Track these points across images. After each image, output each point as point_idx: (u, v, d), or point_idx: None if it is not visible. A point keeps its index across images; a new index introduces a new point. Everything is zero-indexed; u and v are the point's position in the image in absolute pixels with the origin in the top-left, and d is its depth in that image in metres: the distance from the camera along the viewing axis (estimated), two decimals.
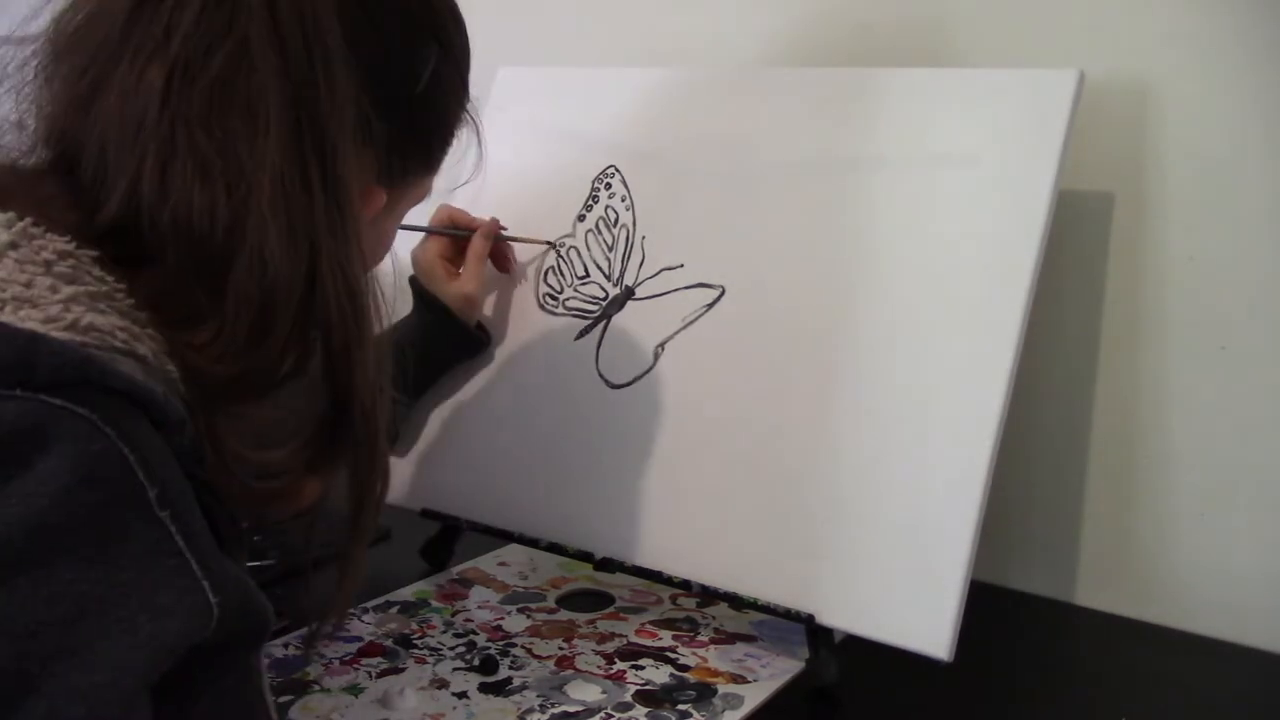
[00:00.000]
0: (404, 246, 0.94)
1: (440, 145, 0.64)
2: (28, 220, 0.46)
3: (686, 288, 0.90)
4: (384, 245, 0.65)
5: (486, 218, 0.94)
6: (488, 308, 0.98)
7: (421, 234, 0.93)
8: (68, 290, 0.44)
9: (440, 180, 0.66)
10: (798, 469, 0.81)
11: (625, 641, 0.85)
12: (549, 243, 0.97)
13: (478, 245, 0.93)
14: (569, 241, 0.97)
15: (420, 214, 0.92)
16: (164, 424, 0.44)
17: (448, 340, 0.93)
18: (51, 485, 0.39)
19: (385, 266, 0.67)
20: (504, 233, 0.96)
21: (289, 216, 0.49)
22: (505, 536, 0.93)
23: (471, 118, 0.67)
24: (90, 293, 0.45)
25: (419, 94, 0.59)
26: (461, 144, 0.66)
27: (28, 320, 0.42)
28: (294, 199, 0.49)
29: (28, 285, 0.43)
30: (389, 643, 0.83)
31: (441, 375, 0.95)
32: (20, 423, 0.39)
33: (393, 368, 0.88)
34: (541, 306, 0.97)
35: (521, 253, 0.98)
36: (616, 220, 0.95)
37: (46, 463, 0.39)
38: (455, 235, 0.93)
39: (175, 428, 0.45)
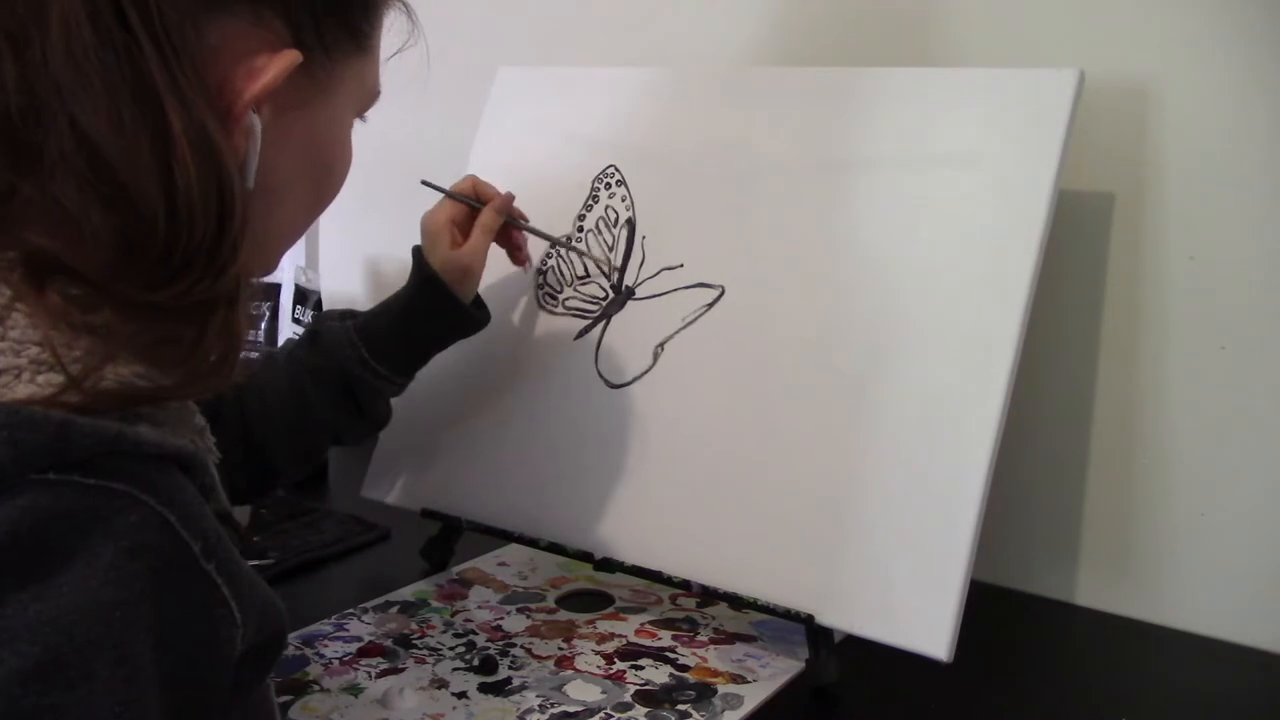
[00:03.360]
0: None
1: (359, 10, 0.54)
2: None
3: (686, 288, 0.90)
4: (333, 153, 0.55)
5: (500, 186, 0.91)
6: (486, 306, 0.98)
7: (440, 199, 0.90)
8: (84, 343, 0.41)
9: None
10: (797, 469, 0.81)
11: (625, 641, 0.85)
12: (562, 242, 0.95)
13: (486, 217, 0.88)
14: (576, 243, 0.97)
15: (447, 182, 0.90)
16: (191, 468, 0.43)
17: (439, 315, 0.88)
18: (98, 565, 0.38)
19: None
20: (520, 220, 0.92)
21: (99, 68, 0.41)
22: (505, 536, 0.93)
23: None
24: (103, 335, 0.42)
25: None
26: (395, 29, 0.58)
27: (49, 387, 0.40)
28: (100, 48, 0.41)
29: (42, 345, 0.41)
30: (389, 643, 0.83)
31: (433, 352, 0.90)
32: (58, 509, 0.38)
33: (382, 338, 0.85)
34: (541, 306, 0.97)
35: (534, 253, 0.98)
36: (616, 220, 0.95)
37: (90, 545, 0.38)
38: (468, 203, 0.89)
39: (201, 470, 0.44)
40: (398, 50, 0.62)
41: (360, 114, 0.57)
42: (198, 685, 0.41)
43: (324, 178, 0.56)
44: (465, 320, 0.90)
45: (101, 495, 0.39)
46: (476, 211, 0.89)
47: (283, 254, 0.58)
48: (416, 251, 0.89)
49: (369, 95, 0.57)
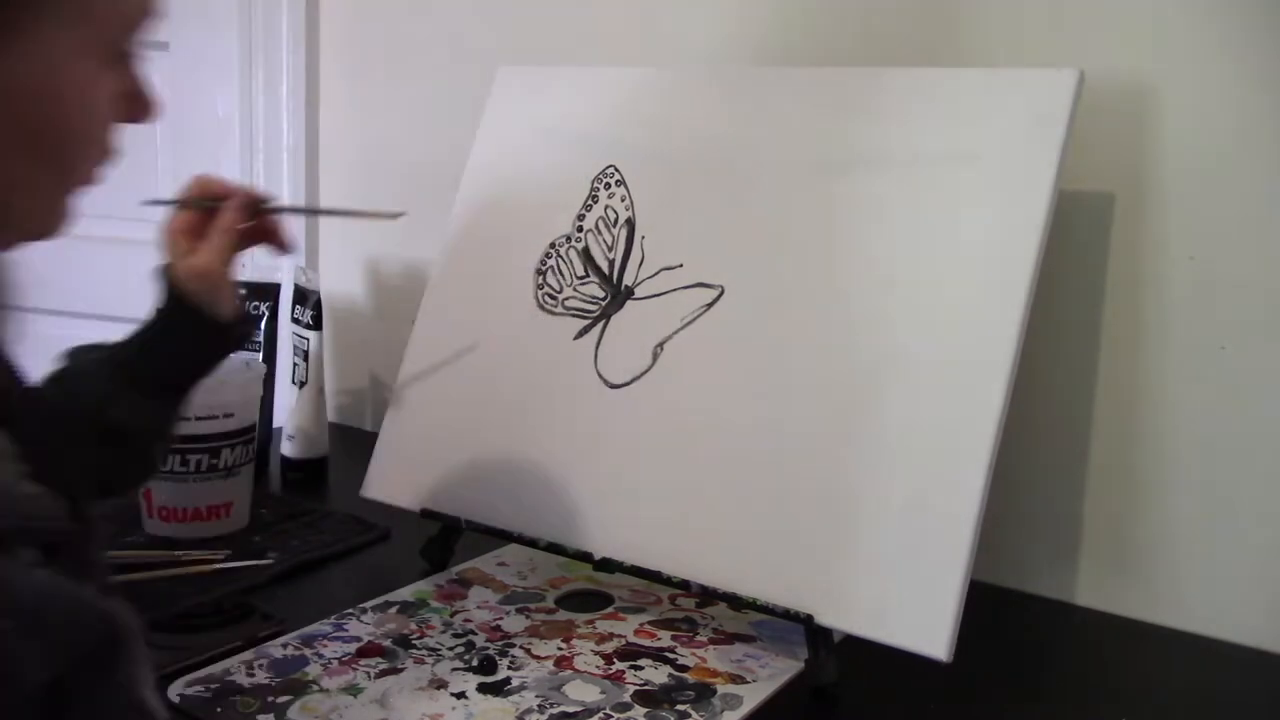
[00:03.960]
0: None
1: None
2: None
3: (686, 287, 0.90)
4: (56, 99, 0.44)
5: (248, 189, 0.80)
6: (487, 307, 0.98)
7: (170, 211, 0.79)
8: None
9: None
10: (797, 469, 0.81)
11: (624, 642, 0.85)
12: (319, 210, 0.84)
13: (224, 216, 0.76)
14: (563, 247, 0.97)
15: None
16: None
17: (187, 329, 0.75)
18: None
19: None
20: (270, 204, 0.81)
21: None
22: (505, 536, 0.93)
23: None
24: None
25: None
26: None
27: None
28: None
29: None
30: (388, 643, 0.83)
31: (198, 374, 0.78)
32: None
33: (137, 367, 0.73)
34: (541, 306, 0.97)
35: (522, 253, 0.98)
36: (616, 220, 0.95)
37: None
38: (198, 206, 0.78)
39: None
40: None
41: (104, 38, 0.45)
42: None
43: (47, 135, 0.45)
44: (222, 334, 0.77)
45: None
46: (204, 209, 0.78)
47: (40, 215, 0.49)
48: (161, 269, 0.77)
49: (119, 15, 0.45)
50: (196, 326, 0.76)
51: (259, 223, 0.80)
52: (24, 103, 0.43)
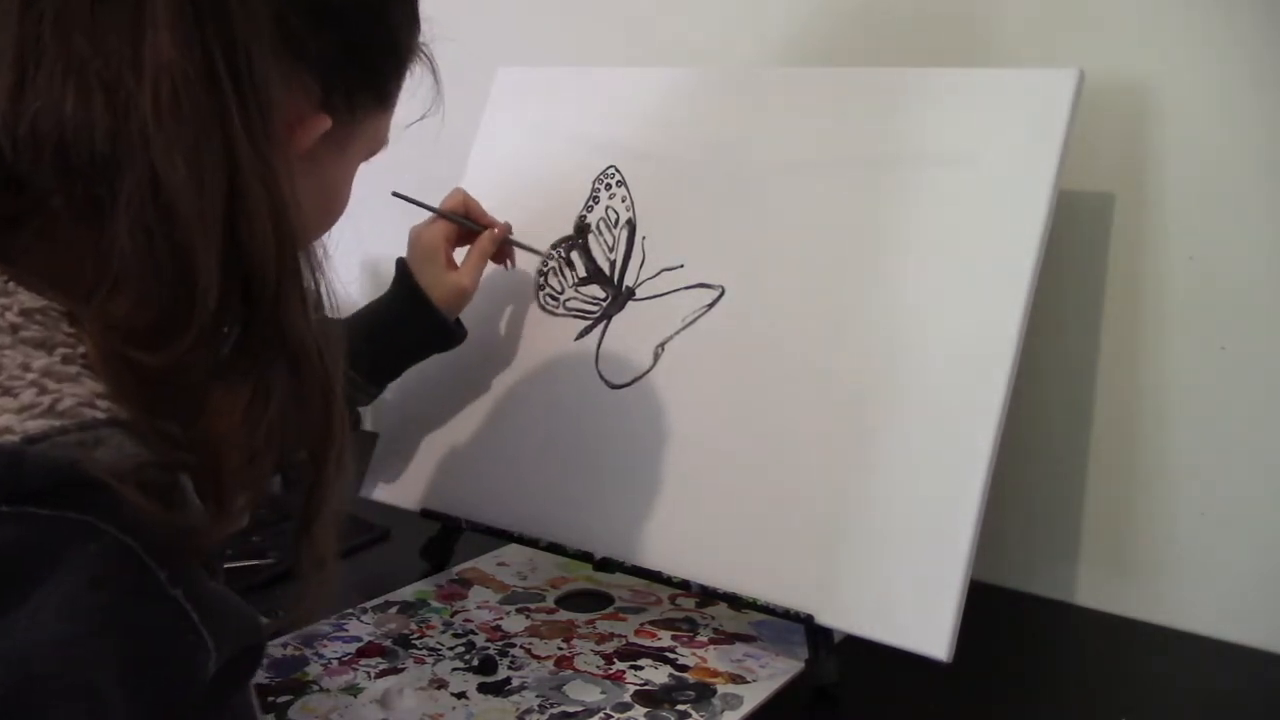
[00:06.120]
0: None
1: (391, 74, 0.57)
2: None
3: (686, 288, 0.90)
4: (337, 197, 0.58)
5: (501, 220, 0.94)
6: (487, 307, 0.98)
7: (428, 214, 0.91)
8: (40, 363, 0.40)
9: (397, 113, 0.60)
10: (797, 469, 0.81)
11: (624, 642, 0.85)
12: (548, 253, 0.97)
13: (485, 243, 0.91)
14: (560, 252, 0.97)
15: (433, 198, 0.91)
16: (157, 489, 0.41)
17: (423, 332, 0.90)
18: (55, 599, 0.36)
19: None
20: (513, 238, 0.95)
21: (190, 121, 0.41)
22: (505, 536, 0.93)
23: (425, 53, 0.60)
24: (65, 355, 0.41)
25: (358, 4, 0.52)
26: (415, 79, 0.60)
27: (3, 414, 0.39)
28: (194, 100, 0.41)
29: None
30: (388, 643, 0.83)
31: (407, 365, 0.92)
32: (10, 543, 0.37)
33: (360, 346, 0.83)
34: (542, 307, 0.97)
35: (523, 254, 0.98)
36: (617, 221, 0.95)
37: (46, 578, 0.37)
38: (466, 225, 0.92)
39: (170, 490, 0.42)
40: (420, 118, 0.64)
41: (366, 158, 0.59)
42: (167, 713, 0.40)
43: (322, 220, 0.57)
44: (448, 340, 0.92)
45: (58, 526, 0.37)
46: (467, 231, 0.91)
47: None
48: (403, 264, 0.89)
49: (379, 144, 0.59)
50: (431, 328, 0.89)
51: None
52: (321, 200, 0.56)
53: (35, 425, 0.39)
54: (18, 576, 0.36)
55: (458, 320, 0.92)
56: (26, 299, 0.42)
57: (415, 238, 0.90)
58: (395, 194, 0.89)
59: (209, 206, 0.42)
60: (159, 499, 0.40)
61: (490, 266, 0.95)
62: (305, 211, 0.54)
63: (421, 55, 0.59)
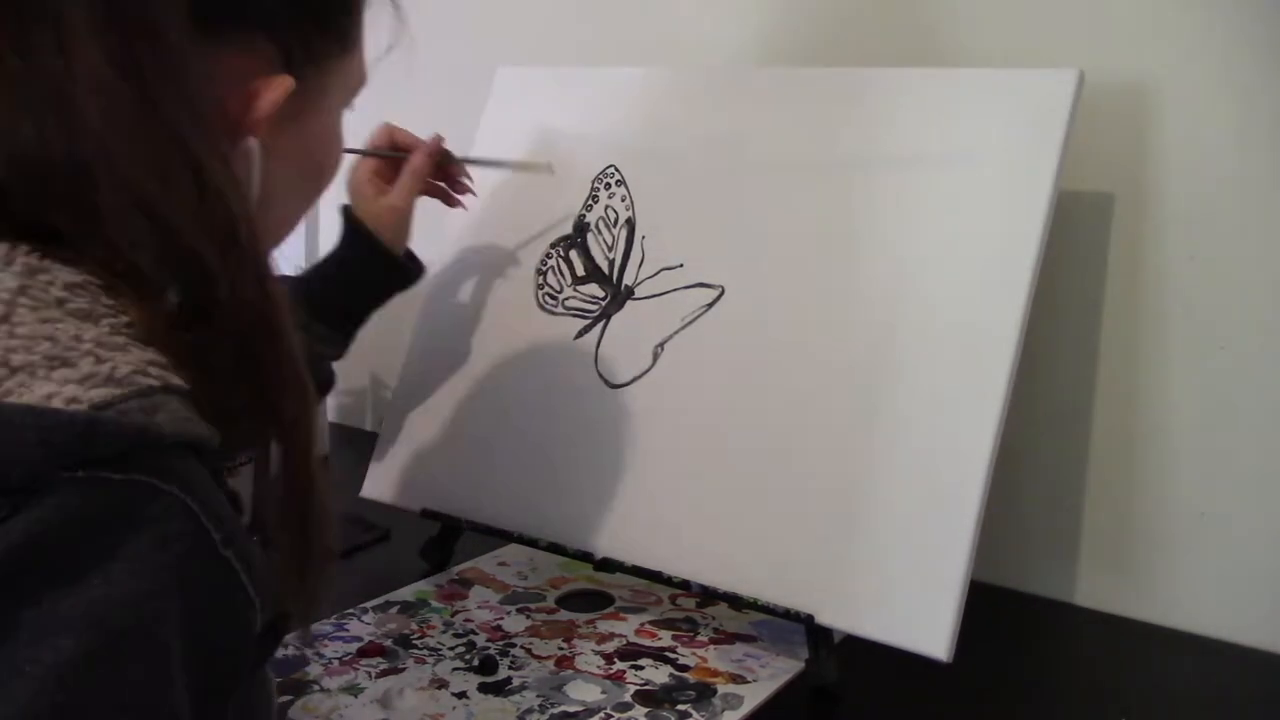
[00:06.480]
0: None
1: (344, 12, 0.55)
2: (24, 249, 0.43)
3: (686, 287, 0.90)
4: (329, 149, 0.57)
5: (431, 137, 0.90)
6: (488, 307, 0.98)
7: (358, 157, 0.89)
8: (91, 333, 0.42)
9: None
10: (797, 469, 0.81)
11: (625, 641, 0.85)
12: (519, 165, 0.94)
13: (416, 161, 0.89)
14: (560, 251, 0.96)
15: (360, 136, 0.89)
16: (204, 453, 0.43)
17: (372, 268, 0.88)
18: (129, 557, 0.38)
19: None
20: (453, 153, 0.91)
21: (133, 119, 0.43)
22: (505, 536, 0.93)
23: None
24: (112, 325, 0.43)
25: None
26: (374, 10, 0.58)
27: (67, 384, 0.40)
28: (127, 101, 0.43)
29: (52, 339, 0.41)
30: (389, 643, 0.83)
31: (372, 309, 0.90)
32: (88, 507, 0.38)
33: (319, 298, 0.85)
34: (541, 306, 0.97)
35: (523, 253, 0.98)
36: (616, 220, 0.95)
37: (120, 539, 0.39)
38: (388, 156, 0.89)
39: (215, 455, 0.44)
40: (389, 48, 0.61)
41: (348, 103, 0.58)
42: (222, 669, 0.42)
43: (318, 175, 0.57)
44: (402, 273, 0.90)
45: (129, 489, 0.39)
46: (400, 162, 0.89)
47: (290, 232, 0.59)
48: (344, 209, 0.89)
49: (356, 85, 0.58)
50: (379, 262, 0.87)
51: (438, 173, 0.91)
52: (309, 157, 0.56)
53: (99, 394, 0.40)
54: (92, 540, 0.38)
55: (412, 256, 0.91)
56: (65, 274, 0.43)
57: (348, 181, 0.89)
58: (346, 150, 0.88)
59: (179, 193, 0.44)
60: (207, 461, 0.43)
61: (496, 241, 0.94)
62: (300, 168, 0.55)
63: None
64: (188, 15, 0.45)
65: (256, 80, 0.49)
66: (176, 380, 0.43)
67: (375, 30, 0.58)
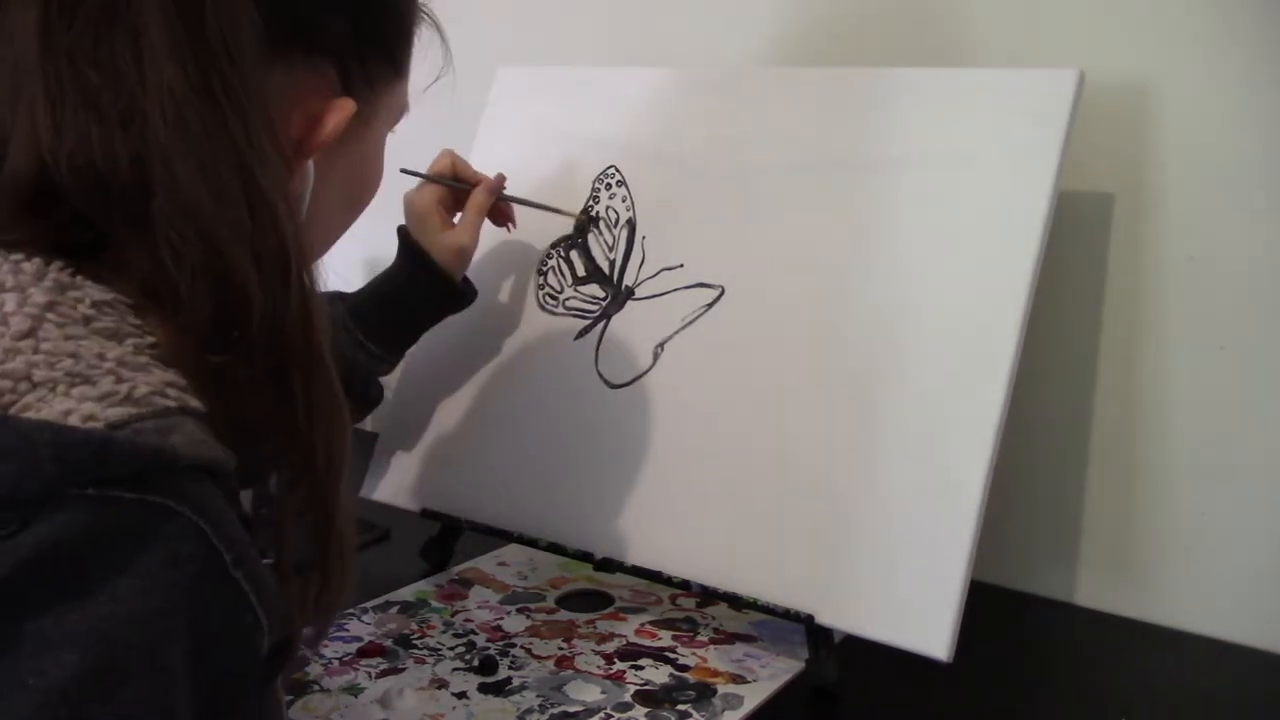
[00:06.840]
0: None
1: (400, 40, 0.58)
2: (57, 265, 0.44)
3: (686, 288, 0.90)
4: (374, 170, 0.60)
5: (493, 174, 0.92)
6: (486, 306, 0.98)
7: (418, 180, 0.91)
8: (115, 352, 0.42)
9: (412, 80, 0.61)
10: (797, 469, 0.81)
11: (625, 641, 0.85)
12: (557, 210, 0.95)
13: (479, 198, 0.91)
14: (560, 252, 0.96)
15: (421, 161, 0.91)
16: (218, 476, 0.43)
17: (432, 293, 0.90)
18: (138, 575, 0.38)
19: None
20: (508, 193, 0.94)
21: (198, 134, 0.44)
22: (505, 536, 0.93)
23: (426, 12, 0.61)
24: (136, 345, 0.43)
25: None
26: (423, 43, 0.61)
27: (85, 401, 0.40)
28: (199, 114, 0.44)
29: (75, 356, 0.41)
30: (389, 643, 0.83)
31: (423, 330, 0.93)
32: (99, 525, 0.38)
33: (374, 318, 0.87)
34: (541, 306, 0.97)
35: (523, 253, 0.98)
36: (617, 220, 0.95)
37: (130, 557, 0.39)
38: (452, 186, 0.91)
39: (228, 478, 0.44)
40: (435, 79, 0.64)
41: (392, 128, 0.60)
42: (227, 691, 0.42)
43: (360, 196, 0.59)
44: (458, 299, 0.92)
45: (141, 509, 0.39)
46: (460, 192, 0.91)
47: (330, 245, 0.60)
48: (403, 231, 0.90)
49: (401, 111, 0.60)
50: (438, 289, 0.90)
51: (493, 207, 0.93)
52: (356, 179, 0.58)
53: (115, 413, 0.40)
54: (101, 557, 0.38)
55: (466, 279, 0.92)
56: (95, 292, 0.44)
57: (408, 203, 0.91)
58: (404, 170, 0.89)
59: (228, 212, 0.45)
60: (221, 484, 0.43)
61: (496, 240, 0.95)
62: (345, 188, 0.57)
63: (423, 16, 0.60)
64: (263, 38, 0.47)
65: (317, 101, 0.51)
66: (194, 402, 0.43)
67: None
